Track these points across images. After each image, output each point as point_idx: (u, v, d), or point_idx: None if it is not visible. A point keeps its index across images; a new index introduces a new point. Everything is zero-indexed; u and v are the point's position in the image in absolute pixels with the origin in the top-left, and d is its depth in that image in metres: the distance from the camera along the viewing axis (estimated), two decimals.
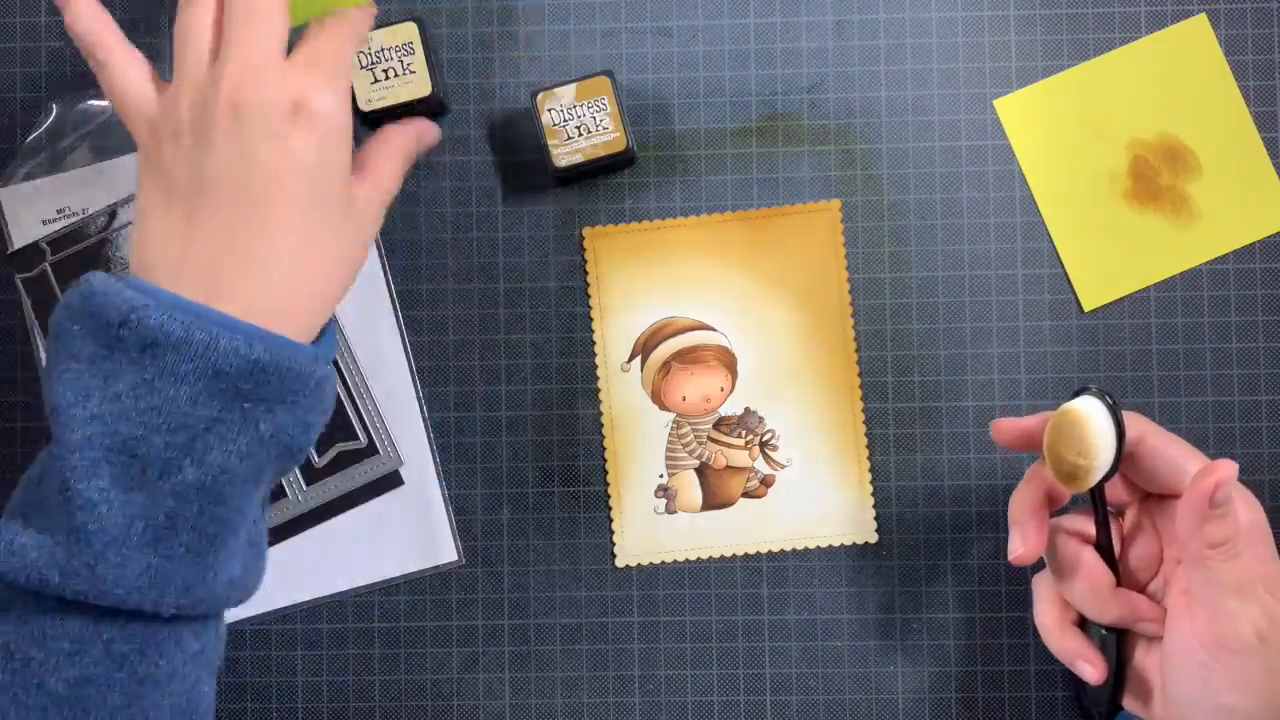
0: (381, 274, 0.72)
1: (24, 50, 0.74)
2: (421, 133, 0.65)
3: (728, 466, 0.71)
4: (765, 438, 0.71)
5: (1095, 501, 0.59)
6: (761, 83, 0.72)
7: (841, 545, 0.71)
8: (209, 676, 0.54)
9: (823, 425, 0.71)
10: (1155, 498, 0.61)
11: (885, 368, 0.72)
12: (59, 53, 0.74)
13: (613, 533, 0.71)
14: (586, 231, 0.72)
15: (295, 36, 0.56)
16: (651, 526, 0.71)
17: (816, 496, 0.71)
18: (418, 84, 0.69)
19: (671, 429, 0.72)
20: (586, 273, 0.72)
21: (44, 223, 0.73)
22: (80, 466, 0.49)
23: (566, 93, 0.69)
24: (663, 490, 0.71)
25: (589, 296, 0.72)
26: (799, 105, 0.72)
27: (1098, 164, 0.71)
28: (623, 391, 0.72)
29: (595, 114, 0.69)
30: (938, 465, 0.71)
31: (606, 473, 0.72)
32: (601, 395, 0.72)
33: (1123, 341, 0.71)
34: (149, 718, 0.51)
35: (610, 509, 0.71)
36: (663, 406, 0.72)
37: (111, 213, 0.72)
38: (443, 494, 0.72)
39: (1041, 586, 0.63)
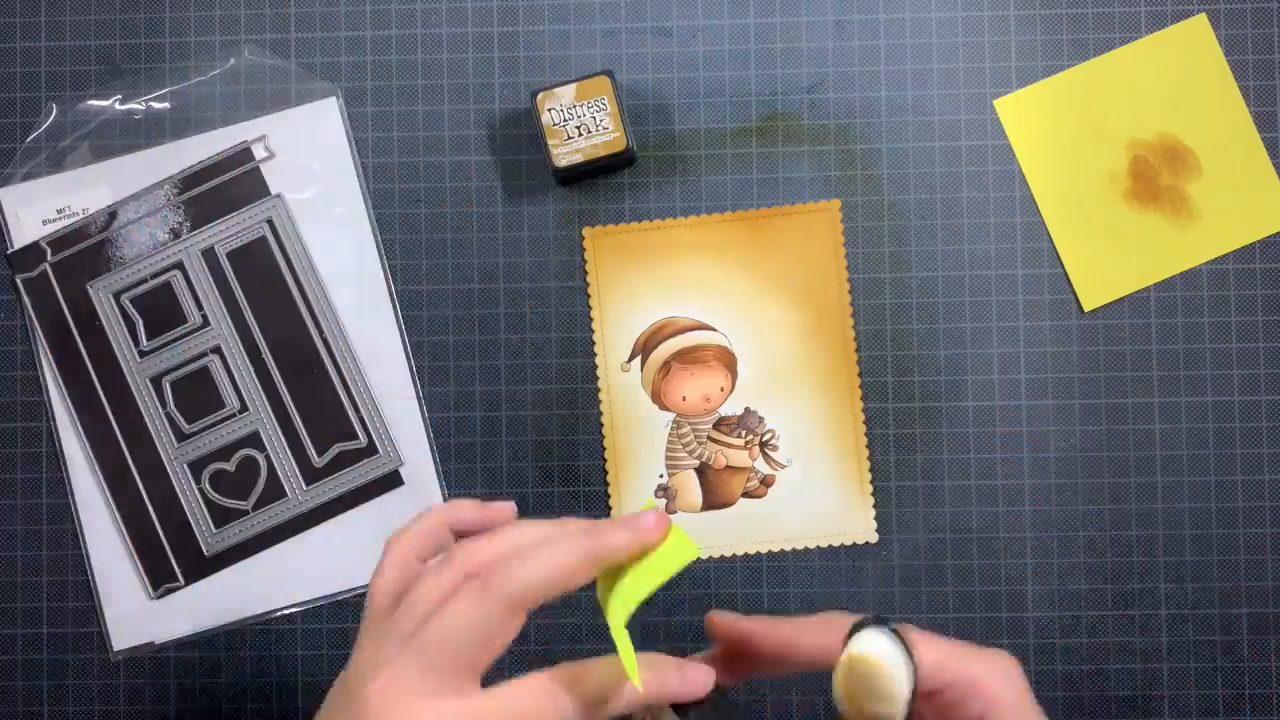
0: (381, 274, 0.72)
1: (24, 50, 0.74)
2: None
3: (728, 466, 0.71)
4: (765, 438, 0.71)
5: None
6: (761, 83, 0.72)
7: (841, 545, 0.71)
8: None
9: (823, 425, 0.71)
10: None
11: (885, 368, 0.72)
12: (59, 53, 0.74)
13: None
14: (586, 231, 0.72)
15: None
16: None
17: (816, 496, 0.71)
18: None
19: (671, 429, 0.72)
20: (586, 273, 0.72)
21: (44, 223, 0.73)
22: None
23: (566, 93, 0.69)
24: (663, 490, 0.71)
25: (589, 296, 0.72)
26: (799, 105, 0.72)
27: (1098, 164, 0.71)
28: (623, 391, 0.72)
29: (595, 114, 0.69)
30: (938, 465, 0.71)
31: (606, 473, 0.72)
32: (601, 395, 0.72)
33: (1123, 341, 0.71)
34: None
35: (610, 509, 0.71)
36: (663, 406, 0.72)
37: (111, 213, 0.72)
38: (443, 494, 0.72)
39: None
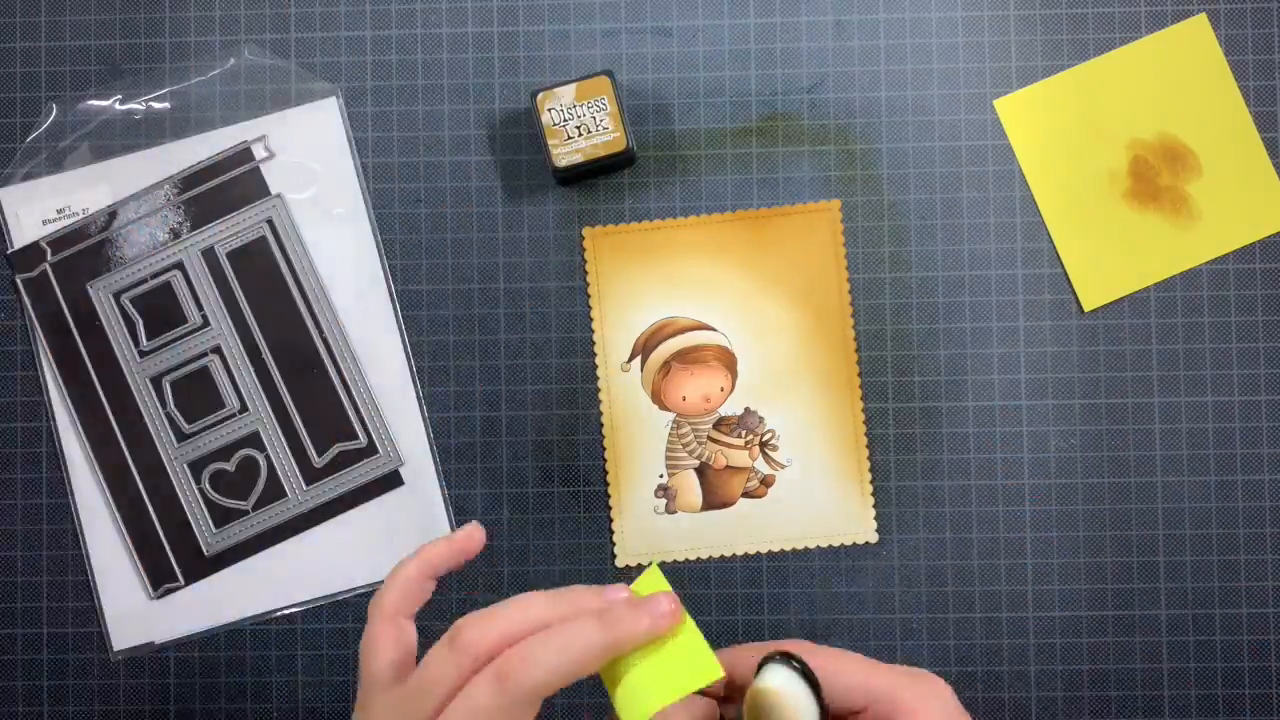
0: (381, 274, 0.72)
1: (24, 50, 0.74)
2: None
3: (728, 466, 0.71)
4: (765, 438, 0.71)
5: None
6: (761, 83, 0.72)
7: (841, 545, 0.71)
8: None
9: (823, 425, 0.71)
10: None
11: (885, 368, 0.72)
12: (59, 53, 0.74)
13: (613, 533, 0.71)
14: (586, 231, 0.72)
15: None
16: (651, 526, 0.71)
17: (816, 496, 0.71)
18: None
19: (671, 429, 0.72)
20: (586, 273, 0.72)
21: (44, 223, 0.73)
22: None
23: (566, 93, 0.69)
24: (663, 490, 0.71)
25: (589, 296, 0.72)
26: (799, 105, 0.72)
27: (1098, 164, 0.71)
28: (623, 391, 0.72)
29: (595, 114, 0.69)
30: (938, 465, 0.71)
31: (606, 473, 0.72)
32: (601, 395, 0.72)
33: (1123, 341, 0.71)
34: None
35: (610, 509, 0.71)
36: (663, 406, 0.72)
37: (111, 213, 0.72)
38: (443, 494, 0.72)
39: None
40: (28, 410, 0.73)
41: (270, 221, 0.73)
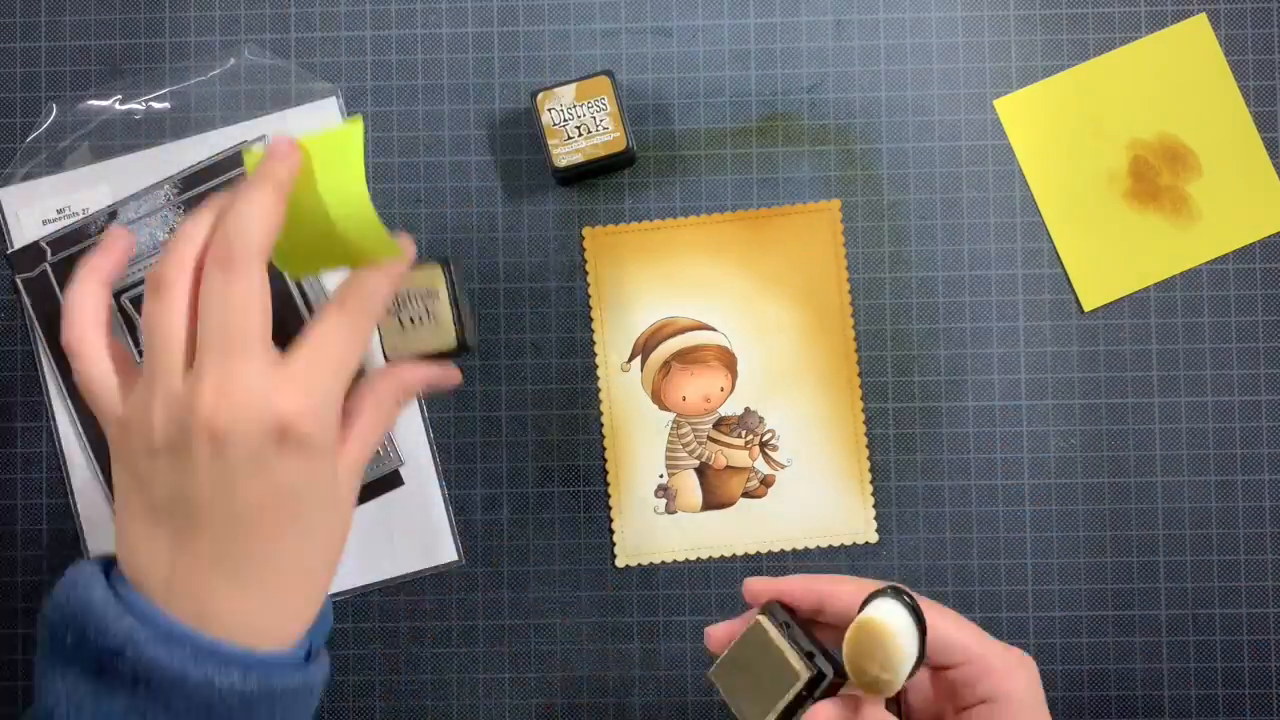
0: None
1: (24, 50, 0.74)
2: (430, 380, 0.61)
3: (728, 466, 0.72)
4: (765, 438, 0.71)
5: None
6: (761, 83, 0.72)
7: (841, 545, 0.71)
8: None
9: (823, 425, 0.71)
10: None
11: (885, 368, 0.72)
12: (59, 53, 0.74)
13: (613, 533, 0.71)
14: (586, 231, 0.72)
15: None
16: (651, 526, 0.71)
17: (816, 496, 0.71)
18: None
19: (671, 429, 0.72)
20: (586, 273, 0.72)
21: (44, 223, 0.73)
22: None
23: (566, 93, 0.69)
24: (663, 490, 0.71)
25: (589, 296, 0.72)
26: (799, 105, 0.72)
27: (1098, 164, 0.71)
28: (623, 391, 0.72)
29: (595, 114, 0.69)
30: (938, 465, 0.71)
31: (606, 473, 0.72)
32: (601, 395, 0.72)
33: (1123, 341, 0.71)
34: None
35: (610, 509, 0.71)
36: (663, 406, 0.72)
37: (111, 213, 0.72)
38: (443, 494, 0.72)
39: None
40: (28, 410, 0.73)
41: None
